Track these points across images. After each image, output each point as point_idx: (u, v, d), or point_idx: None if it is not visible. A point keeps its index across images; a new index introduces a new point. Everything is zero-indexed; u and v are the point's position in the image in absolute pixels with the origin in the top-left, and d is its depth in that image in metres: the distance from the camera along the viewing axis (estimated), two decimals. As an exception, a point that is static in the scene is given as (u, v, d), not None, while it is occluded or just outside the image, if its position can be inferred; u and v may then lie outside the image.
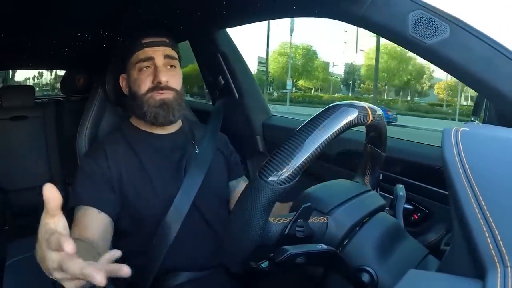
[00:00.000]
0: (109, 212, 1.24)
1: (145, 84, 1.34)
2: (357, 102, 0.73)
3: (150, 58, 1.35)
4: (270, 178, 0.61)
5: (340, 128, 0.66)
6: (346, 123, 0.67)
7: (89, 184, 1.26)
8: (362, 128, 0.86)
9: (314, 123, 0.65)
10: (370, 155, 0.98)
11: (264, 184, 0.61)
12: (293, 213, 0.72)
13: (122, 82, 1.45)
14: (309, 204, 0.71)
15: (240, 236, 0.65)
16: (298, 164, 0.61)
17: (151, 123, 1.37)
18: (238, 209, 0.65)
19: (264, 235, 0.66)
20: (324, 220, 0.75)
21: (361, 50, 40.83)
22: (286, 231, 0.69)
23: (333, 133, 0.65)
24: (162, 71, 1.34)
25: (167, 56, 1.37)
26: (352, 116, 0.69)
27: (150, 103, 1.34)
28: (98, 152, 1.34)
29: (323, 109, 0.69)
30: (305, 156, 0.62)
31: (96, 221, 1.20)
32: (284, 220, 0.71)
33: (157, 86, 1.34)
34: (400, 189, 0.94)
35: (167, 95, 1.35)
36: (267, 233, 0.68)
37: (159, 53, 1.36)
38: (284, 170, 0.61)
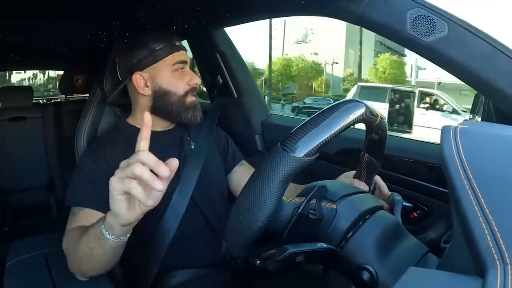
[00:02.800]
0: None
1: (182, 85, 1.38)
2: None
3: (185, 62, 1.40)
4: (293, 150, 0.62)
5: (359, 116, 0.70)
6: (363, 113, 0.71)
7: (90, 186, 1.26)
8: (361, 127, 0.87)
9: (334, 108, 0.68)
10: (366, 163, 1.00)
11: (286, 155, 0.62)
12: (303, 197, 0.72)
13: (138, 79, 1.38)
14: (324, 185, 0.73)
15: (255, 206, 0.65)
16: (322, 139, 0.63)
17: (182, 122, 1.43)
18: (255, 180, 0.65)
19: (276, 212, 0.66)
20: (334, 206, 0.75)
21: (286, 54, 43.83)
22: (300, 210, 0.70)
23: (353, 120, 0.68)
24: (193, 75, 1.41)
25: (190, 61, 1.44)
26: (365, 110, 0.73)
27: (187, 104, 1.39)
28: (97, 152, 1.34)
29: (342, 100, 0.72)
30: (329, 133, 0.64)
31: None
32: (296, 200, 0.72)
33: (193, 88, 1.40)
34: (396, 195, 0.95)
35: (195, 97, 1.43)
36: (279, 211, 0.68)
37: (187, 58, 1.42)
38: (308, 143, 0.63)
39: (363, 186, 1.04)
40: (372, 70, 35.98)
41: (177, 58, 1.38)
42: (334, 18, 1.20)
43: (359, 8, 1.05)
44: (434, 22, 0.96)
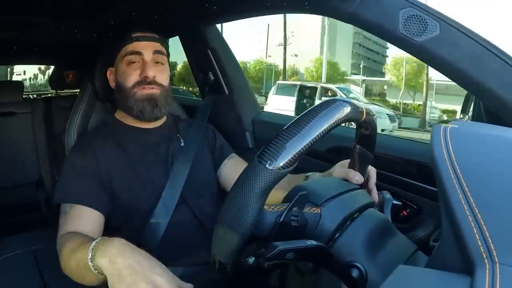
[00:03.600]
0: (102, 209, 1.24)
1: (132, 77, 1.35)
2: (352, 100, 0.75)
3: (139, 53, 1.36)
4: (269, 163, 0.61)
5: (338, 119, 0.67)
6: (344, 115, 0.69)
7: (80, 181, 1.25)
8: (351, 125, 0.87)
9: (313, 113, 0.66)
10: (358, 155, 0.99)
11: (262, 168, 0.61)
12: (286, 203, 0.72)
13: (110, 75, 1.45)
14: (305, 192, 0.72)
15: (235, 221, 0.65)
16: (298, 149, 0.62)
17: (136, 117, 1.38)
18: (234, 194, 0.64)
19: (258, 222, 0.66)
20: (318, 211, 0.75)
21: (269, 56, 49.57)
22: (281, 219, 0.69)
23: (331, 124, 0.66)
24: (150, 66, 1.35)
25: (156, 52, 1.38)
26: (348, 110, 0.70)
27: (136, 97, 1.35)
28: (86, 148, 1.33)
29: (323, 101, 0.70)
30: (305, 143, 0.62)
31: (90, 219, 1.21)
32: (278, 208, 0.72)
33: (144, 81, 1.34)
34: (386, 193, 0.95)
35: (154, 90, 1.36)
36: (262, 220, 0.68)
37: (148, 48, 1.37)
38: (284, 155, 0.61)
39: (358, 176, 1.03)
40: (308, 70, 41.17)
41: (128, 50, 1.37)
42: (326, 16, 1.21)
43: (352, 7, 1.05)
44: (426, 22, 0.96)
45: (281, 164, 0.61)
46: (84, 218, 1.19)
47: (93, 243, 0.94)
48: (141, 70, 1.35)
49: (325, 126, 0.65)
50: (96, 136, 1.39)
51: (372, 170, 1.09)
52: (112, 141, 1.36)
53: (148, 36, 1.39)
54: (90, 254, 0.92)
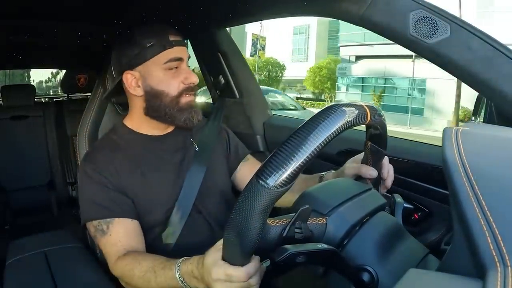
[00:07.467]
0: (134, 217, 1.23)
1: (175, 85, 1.27)
2: (356, 102, 0.73)
3: (180, 59, 1.28)
4: (268, 181, 0.60)
5: (337, 129, 0.65)
6: (344, 123, 0.66)
7: (104, 195, 1.23)
8: (362, 127, 0.87)
9: (311, 125, 0.64)
10: (370, 152, 0.99)
11: (261, 188, 0.61)
12: (291, 214, 0.72)
13: (129, 79, 1.29)
14: (307, 206, 0.71)
15: (238, 239, 0.65)
16: (295, 166, 0.60)
17: (184, 125, 1.31)
18: (236, 213, 0.65)
19: (262, 237, 0.66)
20: (323, 221, 0.74)
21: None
22: (285, 234, 0.69)
23: (329, 135, 0.63)
24: (190, 72, 1.29)
25: (189, 57, 1.33)
26: (349, 117, 0.68)
27: (181, 105, 1.29)
28: (100, 159, 1.29)
29: (321, 109, 0.68)
30: (303, 158, 0.61)
31: (133, 231, 1.20)
32: (282, 222, 0.71)
33: (189, 88, 1.29)
34: (397, 197, 0.94)
35: (193, 97, 1.31)
36: (266, 235, 0.68)
37: (185, 54, 1.30)
38: (282, 173, 0.60)
39: (372, 170, 1.02)
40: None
41: (169, 56, 1.25)
42: (337, 19, 1.20)
43: (362, 9, 1.05)
44: (437, 24, 0.96)
45: (280, 181, 0.60)
46: (128, 233, 1.18)
47: (177, 273, 0.99)
48: (184, 77, 1.27)
49: (324, 137, 0.63)
50: (107, 146, 1.34)
51: (385, 160, 1.06)
52: (123, 152, 1.31)
53: (182, 40, 1.32)
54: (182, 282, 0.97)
